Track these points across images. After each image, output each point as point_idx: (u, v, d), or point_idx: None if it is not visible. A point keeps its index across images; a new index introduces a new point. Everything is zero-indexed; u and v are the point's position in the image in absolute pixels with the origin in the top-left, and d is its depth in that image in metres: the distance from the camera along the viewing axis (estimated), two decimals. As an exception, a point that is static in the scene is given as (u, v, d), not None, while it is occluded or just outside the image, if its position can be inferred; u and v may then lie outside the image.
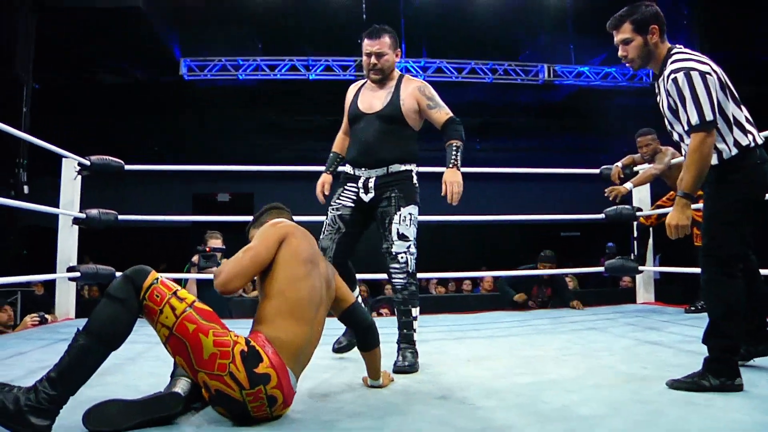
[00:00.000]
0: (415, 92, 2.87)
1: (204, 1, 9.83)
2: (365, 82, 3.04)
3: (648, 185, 5.07)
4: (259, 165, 5.26)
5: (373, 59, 2.87)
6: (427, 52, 11.06)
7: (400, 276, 2.82)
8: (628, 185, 4.74)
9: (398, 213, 2.83)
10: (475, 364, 2.81)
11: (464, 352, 3.12)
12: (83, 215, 4.35)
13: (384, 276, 5.48)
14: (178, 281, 6.37)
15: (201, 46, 10.64)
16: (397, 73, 2.96)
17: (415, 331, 2.79)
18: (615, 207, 4.98)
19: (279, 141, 12.57)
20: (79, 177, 4.46)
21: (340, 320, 2.34)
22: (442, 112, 2.86)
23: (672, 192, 4.92)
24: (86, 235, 4.61)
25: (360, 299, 2.92)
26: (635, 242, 5.14)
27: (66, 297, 4.47)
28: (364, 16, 10.77)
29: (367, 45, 2.88)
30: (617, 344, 3.24)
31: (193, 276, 5.14)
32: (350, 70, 10.67)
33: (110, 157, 4.50)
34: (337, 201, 2.96)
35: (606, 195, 4.72)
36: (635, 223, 5.12)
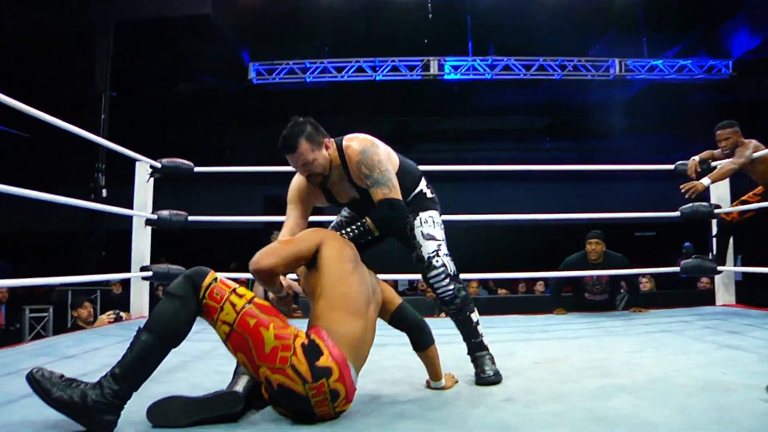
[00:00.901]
0: (357, 173, 2.43)
1: (271, 7, 10.02)
2: None
3: (727, 180, 4.79)
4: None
5: (304, 172, 2.44)
6: (495, 50, 10.92)
7: (443, 283, 2.50)
8: (705, 181, 4.47)
9: (417, 218, 2.57)
10: (542, 366, 2.73)
11: (532, 354, 3.04)
12: (155, 216, 4.49)
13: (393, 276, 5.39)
14: (247, 282, 6.52)
15: (269, 50, 10.87)
16: (334, 152, 2.46)
17: (482, 335, 2.56)
18: (691, 204, 4.74)
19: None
20: (152, 180, 4.60)
21: (391, 324, 2.32)
22: (379, 192, 2.37)
23: (760, 187, 4.64)
24: (160, 237, 4.77)
25: None
26: (714, 240, 4.90)
27: (140, 295, 4.62)
28: (430, 15, 10.75)
29: (289, 160, 2.43)
30: (693, 348, 3.09)
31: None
32: (417, 70, 10.66)
33: (180, 160, 4.64)
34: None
35: (682, 192, 4.49)
36: (714, 220, 4.88)
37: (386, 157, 2.50)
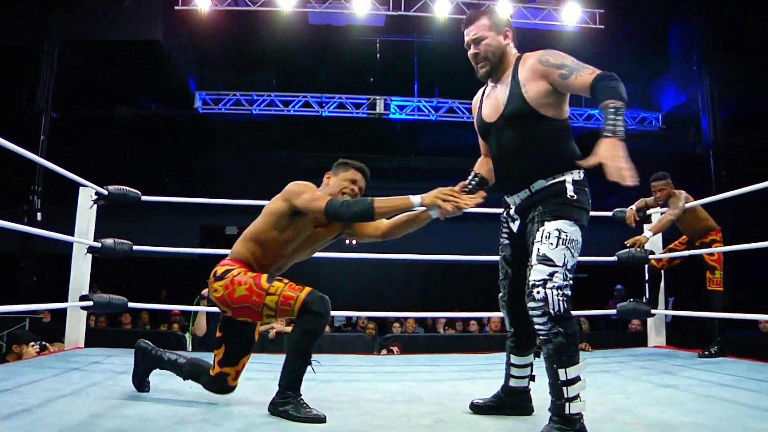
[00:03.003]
0: (536, 67, 2.29)
1: (221, 37, 10.01)
2: (486, 86, 2.54)
3: (659, 228, 5.07)
4: (268, 200, 5.27)
5: (472, 49, 2.39)
6: (440, 92, 11.20)
7: (540, 321, 2.12)
8: (647, 234, 4.81)
9: (541, 230, 2.20)
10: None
11: (478, 393, 3.07)
12: (98, 244, 4.36)
13: (392, 314, 5.44)
14: (187, 314, 6.37)
15: (216, 80, 10.82)
16: (513, 56, 2.42)
17: (570, 400, 2.08)
18: (627, 250, 4.97)
19: (289, 176, 12.63)
20: (95, 206, 4.49)
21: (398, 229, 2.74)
22: (585, 74, 2.20)
23: (684, 236, 4.94)
24: (96, 264, 4.61)
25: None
26: (647, 285, 5.13)
27: (77, 326, 4.46)
28: (378, 55, 10.97)
29: (465, 36, 2.40)
30: (632, 387, 3.21)
31: (203, 309, 5.14)
32: (363, 108, 10.79)
33: (127, 188, 4.54)
34: (500, 240, 2.56)
35: (627, 245, 4.78)
36: (647, 265, 5.11)
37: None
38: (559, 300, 2.09)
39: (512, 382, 2.57)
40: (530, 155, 2.29)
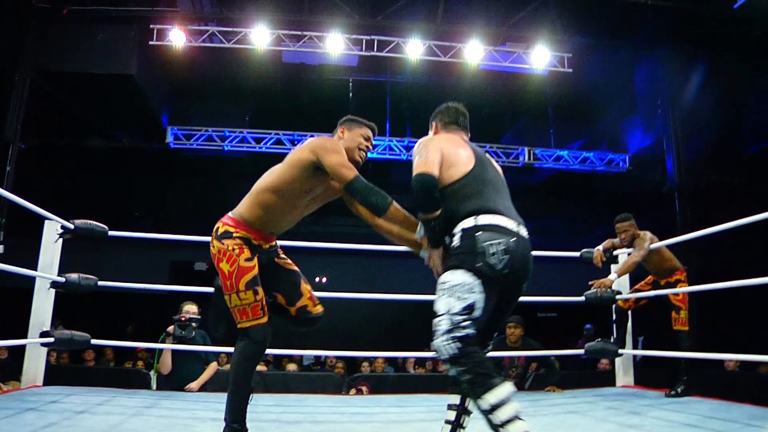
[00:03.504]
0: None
1: (195, 73, 10.04)
2: None
3: (626, 269, 5.14)
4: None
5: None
6: (411, 131, 11.33)
7: (445, 367, 2.29)
8: (612, 276, 4.86)
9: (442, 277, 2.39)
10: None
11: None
12: (62, 279, 4.27)
13: (360, 353, 5.40)
14: (152, 351, 6.25)
15: (189, 115, 10.81)
16: None
17: (504, 425, 2.10)
18: (595, 290, 5.02)
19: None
20: (60, 240, 4.41)
21: (387, 233, 2.75)
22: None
23: (650, 276, 5.01)
24: (58, 298, 4.50)
25: None
26: (615, 325, 5.17)
27: (36, 363, 4.31)
28: (351, 94, 11.10)
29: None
30: (600, 428, 3.21)
31: (169, 346, 5.04)
32: (335, 146, 10.84)
33: (95, 222, 4.47)
34: None
35: (593, 289, 4.84)
36: (614, 306, 5.16)
37: None
38: (447, 345, 2.21)
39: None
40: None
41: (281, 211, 2.73)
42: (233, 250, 2.63)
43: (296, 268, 2.90)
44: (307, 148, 2.68)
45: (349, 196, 2.78)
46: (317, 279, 12.43)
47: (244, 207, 2.74)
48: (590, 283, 4.92)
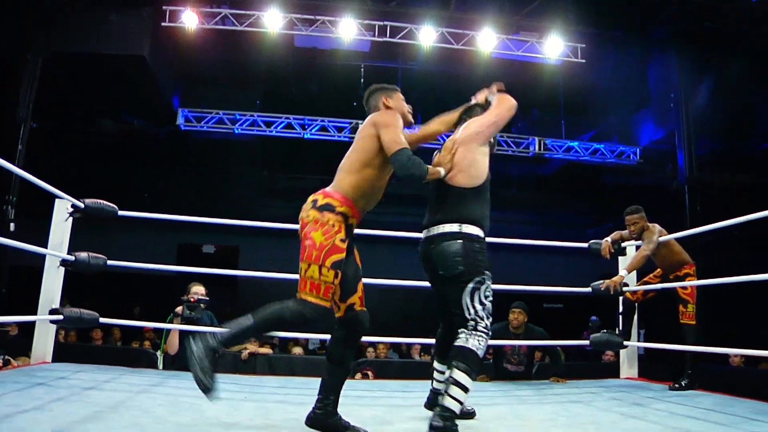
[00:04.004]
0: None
1: (207, 55, 10.03)
2: None
3: (634, 262, 5.12)
4: (247, 220, 5.27)
5: None
6: (422, 119, 11.26)
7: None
8: (622, 272, 4.85)
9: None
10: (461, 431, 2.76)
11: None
12: (72, 258, 4.31)
13: (367, 338, 5.49)
14: (159, 331, 6.29)
15: (200, 98, 10.81)
16: None
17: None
18: (602, 281, 5.01)
19: (269, 197, 12.64)
20: (71, 219, 4.44)
21: None
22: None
23: (659, 269, 4.99)
24: (67, 277, 4.54)
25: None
26: (621, 317, 5.17)
27: (45, 340, 4.37)
28: (362, 80, 11.06)
29: None
30: (603, 418, 3.22)
31: (176, 327, 5.08)
32: (345, 132, 10.83)
33: (104, 202, 4.50)
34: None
35: (603, 288, 4.83)
36: (621, 298, 5.15)
37: None
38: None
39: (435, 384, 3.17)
40: None
41: (379, 184, 2.77)
42: (333, 225, 2.59)
43: (360, 263, 2.84)
44: (369, 122, 2.80)
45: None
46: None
47: (346, 183, 2.70)
48: (601, 286, 4.91)
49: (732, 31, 9.24)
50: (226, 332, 2.46)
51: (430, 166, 2.82)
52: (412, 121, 3.07)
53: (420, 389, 4.23)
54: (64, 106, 10.04)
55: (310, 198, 2.70)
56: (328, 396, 2.61)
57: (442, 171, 2.87)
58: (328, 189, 2.71)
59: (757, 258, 10.90)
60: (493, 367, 5.58)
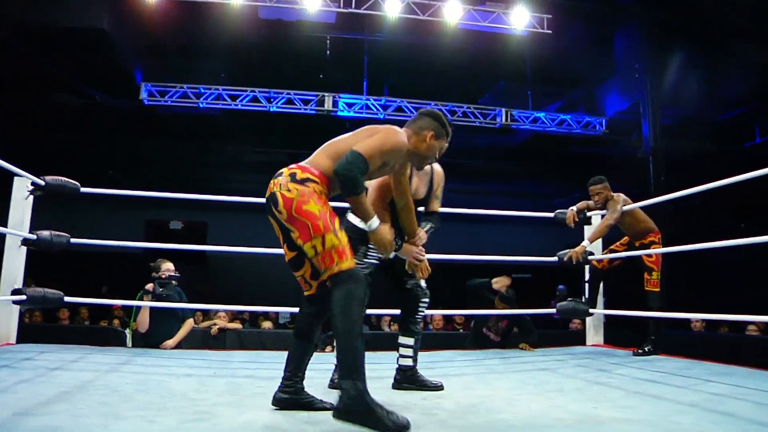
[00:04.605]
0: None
1: (171, 28, 9.80)
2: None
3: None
4: (214, 195, 5.22)
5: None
6: (389, 91, 11.24)
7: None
8: (584, 243, 4.93)
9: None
10: (429, 402, 2.80)
11: (418, 392, 3.12)
12: (34, 236, 4.22)
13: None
14: (128, 309, 6.20)
15: (163, 72, 10.58)
16: None
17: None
18: (567, 251, 5.08)
19: (236, 172, 12.52)
20: (31, 197, 4.35)
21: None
22: None
23: (626, 237, 5.08)
24: (29, 257, 4.46)
25: None
26: (587, 285, 5.26)
27: (8, 321, 4.30)
28: (328, 52, 10.94)
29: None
30: (568, 385, 3.29)
31: (146, 304, 5.04)
32: (311, 105, 10.74)
33: (65, 179, 4.40)
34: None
35: (566, 259, 4.93)
36: (587, 266, 5.24)
37: None
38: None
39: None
40: None
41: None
42: (320, 193, 2.45)
43: None
44: (375, 127, 2.67)
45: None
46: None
47: (325, 165, 2.54)
48: (565, 252, 5.02)
49: (697, 0, 9.32)
50: (345, 370, 2.23)
51: (366, 201, 2.60)
52: (421, 169, 3.06)
53: (391, 360, 4.28)
54: (23, 80, 9.76)
55: (286, 171, 2.52)
56: (296, 373, 2.56)
57: (375, 222, 2.61)
58: (304, 164, 2.56)
59: (721, 225, 11.19)
60: (472, 334, 5.73)
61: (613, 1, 10.36)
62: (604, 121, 11.59)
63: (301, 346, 2.62)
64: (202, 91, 10.48)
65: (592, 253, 5.16)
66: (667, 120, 10.43)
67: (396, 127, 2.69)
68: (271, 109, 10.68)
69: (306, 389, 2.57)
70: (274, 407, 2.51)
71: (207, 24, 9.82)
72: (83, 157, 11.25)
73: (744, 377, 3.41)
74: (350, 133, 2.68)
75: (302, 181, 2.46)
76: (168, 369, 3.61)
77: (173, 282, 5.09)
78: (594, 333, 5.41)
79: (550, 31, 9.86)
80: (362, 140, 2.55)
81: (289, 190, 2.44)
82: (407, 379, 3.22)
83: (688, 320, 7.59)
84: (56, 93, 10.13)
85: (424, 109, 3.00)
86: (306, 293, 2.62)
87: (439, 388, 3.13)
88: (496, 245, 8.56)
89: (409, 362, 3.26)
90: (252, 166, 11.87)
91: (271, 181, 2.54)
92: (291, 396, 2.53)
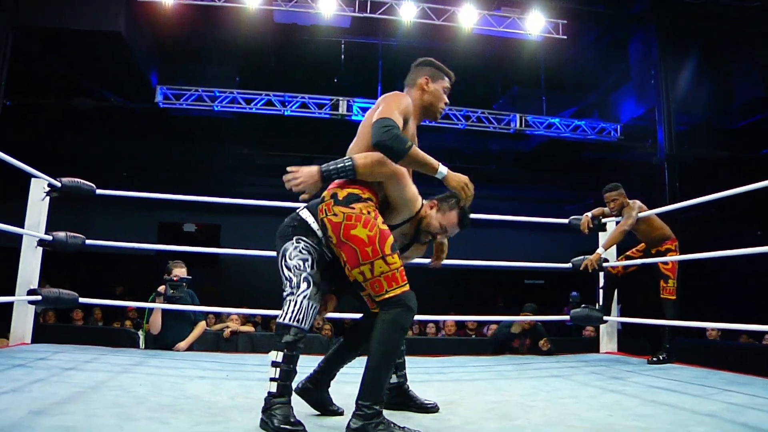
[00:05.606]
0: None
1: (186, 32, 9.87)
2: None
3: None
4: (228, 198, 5.23)
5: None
6: (402, 94, 11.23)
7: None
8: (600, 250, 4.90)
9: None
10: (442, 407, 2.79)
11: (431, 396, 3.09)
12: (49, 237, 4.25)
13: (347, 315, 5.51)
14: (141, 311, 6.21)
15: (178, 75, 10.65)
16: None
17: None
18: (582, 257, 5.05)
19: (249, 175, 12.56)
20: (47, 198, 4.38)
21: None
22: None
23: (642, 244, 5.03)
24: (44, 258, 4.49)
25: None
26: (601, 292, 5.22)
27: (23, 321, 4.33)
28: (342, 56, 10.97)
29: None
30: (582, 392, 3.26)
31: (159, 306, 5.05)
32: (326, 109, 10.75)
33: (81, 180, 4.43)
34: None
35: (582, 268, 4.90)
36: (602, 273, 5.20)
37: None
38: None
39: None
40: None
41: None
42: (368, 213, 2.33)
43: None
44: (376, 104, 2.49)
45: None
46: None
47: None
48: (580, 258, 4.99)
49: (712, 6, 9.26)
50: (367, 391, 2.20)
51: (415, 147, 2.35)
52: (438, 117, 2.78)
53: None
54: (40, 83, 9.86)
55: (326, 194, 2.43)
56: (329, 373, 2.61)
57: (443, 169, 2.44)
58: (340, 180, 2.43)
59: (737, 232, 11.09)
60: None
61: (627, 7, 10.32)
62: (618, 127, 11.53)
63: (345, 354, 2.65)
64: (217, 94, 10.53)
65: (607, 260, 5.12)
66: (682, 126, 10.37)
67: (406, 91, 2.66)
68: (285, 113, 10.71)
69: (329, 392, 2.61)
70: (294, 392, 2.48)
71: (222, 28, 9.89)
72: (98, 159, 11.34)
73: (763, 387, 3.36)
74: (361, 125, 2.56)
75: (347, 202, 2.36)
76: (181, 371, 3.62)
77: (184, 284, 5.10)
78: (608, 340, 5.37)
79: (565, 37, 9.83)
80: (373, 114, 2.41)
81: (335, 215, 2.34)
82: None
83: (703, 328, 7.52)
84: (73, 96, 10.21)
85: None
86: (373, 311, 2.45)
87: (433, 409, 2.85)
88: (509, 251, 8.55)
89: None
90: (265, 169, 11.91)
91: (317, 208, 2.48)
92: (312, 389, 2.59)
